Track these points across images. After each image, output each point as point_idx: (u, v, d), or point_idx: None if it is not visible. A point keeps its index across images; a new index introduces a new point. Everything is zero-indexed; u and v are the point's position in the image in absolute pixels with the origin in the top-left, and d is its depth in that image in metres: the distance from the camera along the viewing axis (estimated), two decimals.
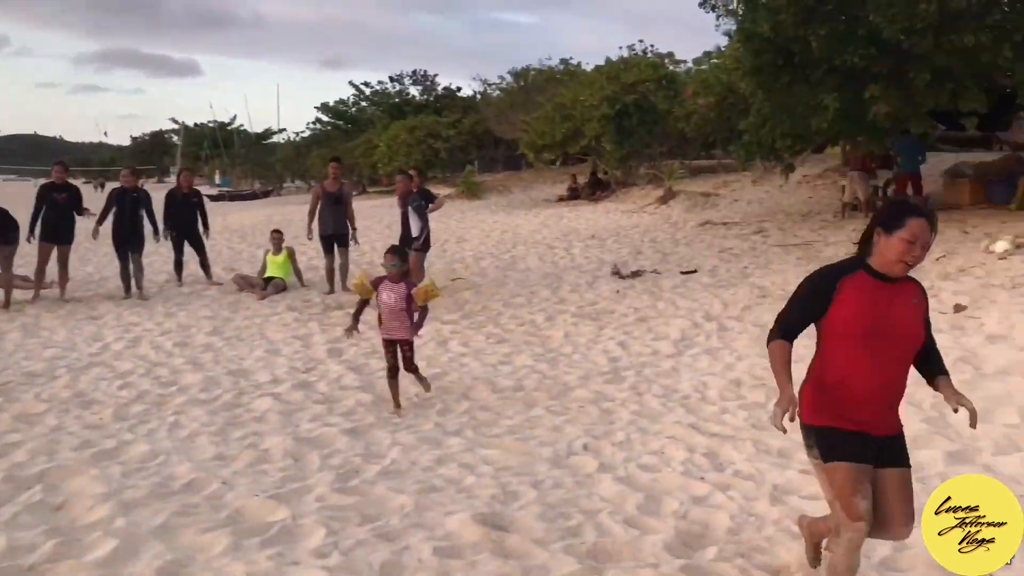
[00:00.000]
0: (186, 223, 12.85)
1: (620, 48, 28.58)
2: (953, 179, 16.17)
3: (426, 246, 11.69)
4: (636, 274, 13.01)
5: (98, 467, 5.05)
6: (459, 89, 48.83)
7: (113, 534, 4.06)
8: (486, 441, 5.96)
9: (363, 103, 51.51)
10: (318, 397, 6.97)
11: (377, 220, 22.45)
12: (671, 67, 27.01)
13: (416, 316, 6.66)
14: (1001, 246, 10.68)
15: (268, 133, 74.81)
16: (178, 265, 12.95)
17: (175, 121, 78.53)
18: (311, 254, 15.85)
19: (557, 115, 26.73)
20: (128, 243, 11.72)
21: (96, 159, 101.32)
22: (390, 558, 3.99)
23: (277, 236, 12.80)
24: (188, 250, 12.96)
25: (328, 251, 11.81)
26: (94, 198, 12.71)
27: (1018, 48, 10.90)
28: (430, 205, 11.79)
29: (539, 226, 20.56)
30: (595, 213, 22.18)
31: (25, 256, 13.15)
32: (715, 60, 23.32)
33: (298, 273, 12.74)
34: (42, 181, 14.73)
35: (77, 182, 14.77)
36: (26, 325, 9.63)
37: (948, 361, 3.79)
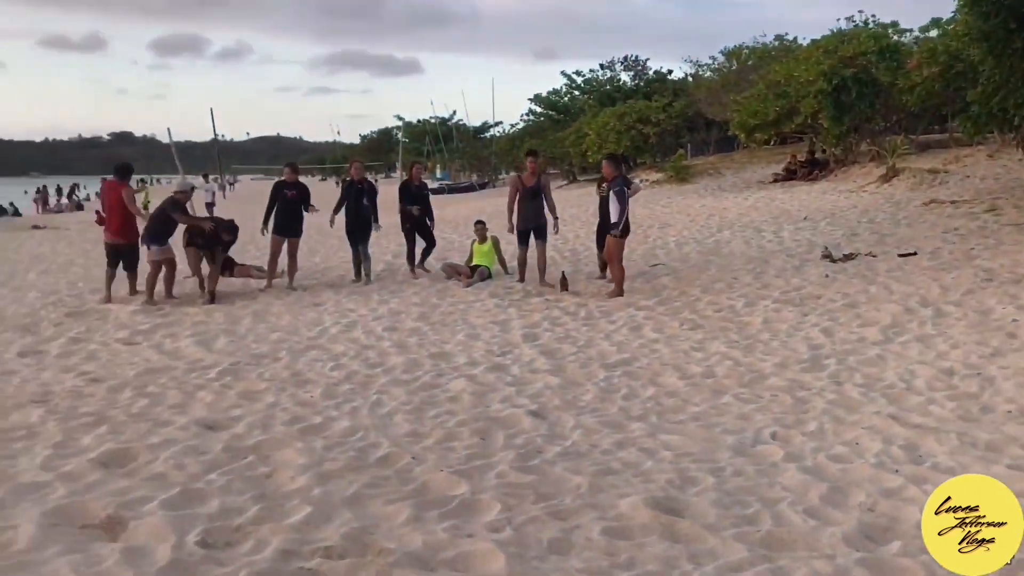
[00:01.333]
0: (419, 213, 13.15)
1: (838, 20, 26.77)
2: None
3: (625, 231, 11.68)
4: (849, 257, 12.39)
5: (304, 441, 5.51)
6: (670, 72, 48.08)
7: (309, 501, 4.43)
8: (669, 427, 5.95)
9: (575, 92, 51.84)
10: (510, 379, 7.21)
11: (583, 208, 22.63)
12: (895, 37, 25.28)
13: None
14: None
15: (485, 127, 76.98)
16: (411, 256, 13.20)
17: (399, 118, 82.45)
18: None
19: (770, 93, 25.73)
20: (357, 232, 12.58)
21: (329, 157, 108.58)
22: (559, 535, 4.11)
23: (481, 227, 13.25)
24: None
25: (523, 242, 11.98)
26: (336, 193, 13.54)
27: None
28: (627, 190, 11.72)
29: (748, 209, 19.97)
30: (810, 194, 21.23)
31: (262, 248, 14.42)
32: (943, 27, 21.60)
33: (502, 261, 13.14)
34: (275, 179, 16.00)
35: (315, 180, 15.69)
36: (257, 311, 10.56)
37: None
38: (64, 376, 7.47)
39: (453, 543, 3.99)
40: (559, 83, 60.05)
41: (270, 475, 4.88)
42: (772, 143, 30.60)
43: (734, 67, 35.52)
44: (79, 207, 49.50)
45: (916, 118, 25.02)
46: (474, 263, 12.85)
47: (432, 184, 50.74)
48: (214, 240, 11.46)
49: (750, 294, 10.56)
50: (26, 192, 61.66)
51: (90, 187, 62.25)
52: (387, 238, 17.94)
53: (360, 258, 12.77)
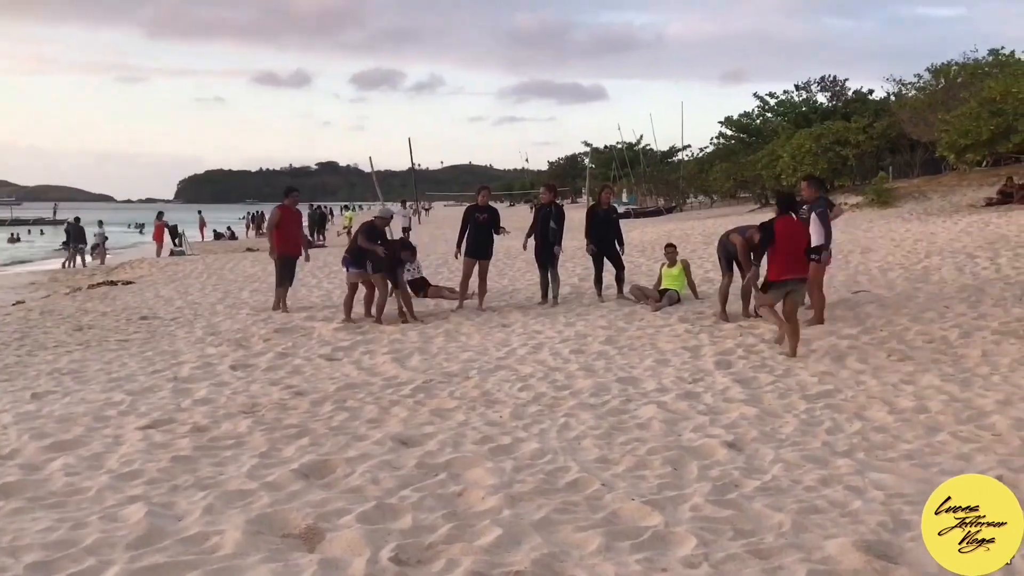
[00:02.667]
0: (606, 239, 13.02)
1: None
2: None
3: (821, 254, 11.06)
4: None
5: (493, 461, 5.50)
6: (871, 92, 45.87)
7: (499, 523, 4.39)
8: (879, 464, 5.52)
9: (767, 114, 50.43)
10: (702, 408, 6.96)
11: None
12: None
13: None
14: None
15: (672, 151, 76.23)
16: (598, 281, 13.07)
17: (587, 144, 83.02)
18: (707, 267, 15.90)
19: (984, 111, 23.95)
20: (544, 254, 12.69)
21: (518, 183, 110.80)
22: None
23: (672, 250, 13.01)
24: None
25: (727, 270, 11.49)
26: (528, 217, 13.92)
27: None
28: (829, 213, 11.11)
29: (959, 234, 18.58)
30: None
31: (454, 270, 14.80)
32: None
33: (692, 285, 12.83)
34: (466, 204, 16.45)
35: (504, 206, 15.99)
36: (449, 331, 10.79)
37: None
38: (271, 388, 7.88)
39: (647, 573, 3.83)
40: (750, 105, 58.48)
41: (461, 494, 4.89)
42: (985, 164, 28.44)
43: (941, 85, 33.32)
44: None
45: None
46: (663, 287, 12.62)
47: (619, 208, 50.79)
48: (395, 261, 11.80)
49: (965, 324, 9.74)
50: (241, 218, 66.78)
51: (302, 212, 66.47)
52: (573, 261, 17.99)
53: (547, 280, 12.84)
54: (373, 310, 11.78)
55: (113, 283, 18.99)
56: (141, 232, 61.17)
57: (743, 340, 9.66)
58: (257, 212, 59.28)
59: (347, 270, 12.08)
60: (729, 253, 11.18)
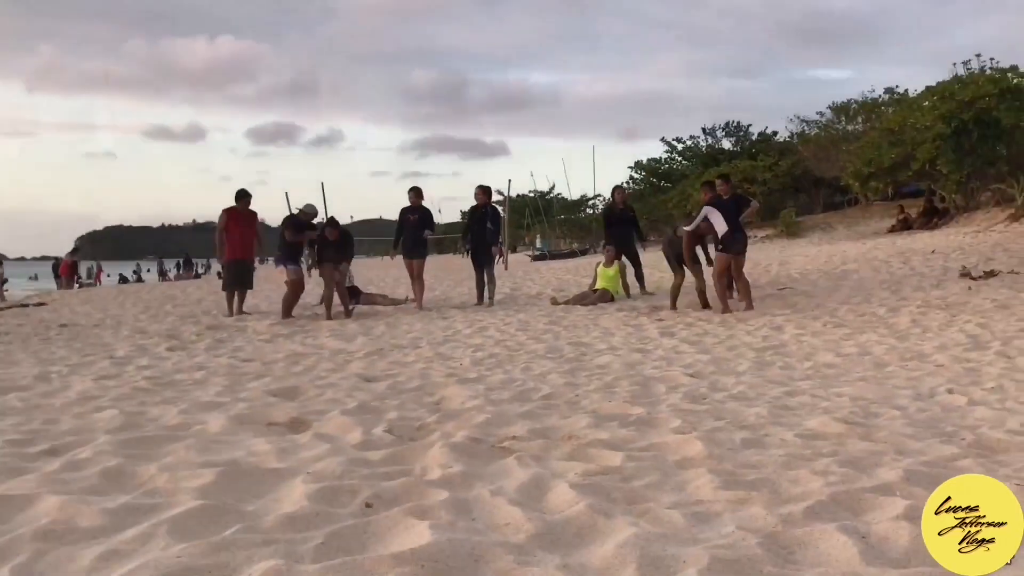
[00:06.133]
0: (622, 236, 13.49)
1: (954, 64, 26.09)
2: None
3: (730, 248, 11.31)
4: (990, 274, 11.86)
5: (464, 386, 5.48)
6: (775, 133, 47.63)
7: (486, 412, 4.38)
8: (838, 385, 5.72)
9: (677, 157, 51.95)
10: (656, 357, 7.06)
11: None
12: (1015, 80, 24.54)
13: None
14: None
15: (584, 199, 77.60)
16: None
17: (500, 192, 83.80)
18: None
19: (884, 141, 25.21)
20: (480, 255, 12.75)
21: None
22: (751, 437, 3.94)
23: (610, 250, 13.22)
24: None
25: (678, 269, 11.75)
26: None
27: None
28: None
29: (870, 248, 19.43)
30: (933, 237, 20.55)
31: (382, 284, 14.67)
32: None
33: (626, 287, 13.04)
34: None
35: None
36: (389, 322, 10.70)
37: None
38: (216, 359, 7.66)
39: (643, 436, 3.87)
40: (652, 155, 60.02)
41: (439, 401, 4.87)
42: (890, 196, 29.79)
43: (842, 122, 34.97)
44: (197, 276, 51.59)
45: None
46: (598, 286, 12.80)
47: (533, 252, 51.31)
48: (335, 246, 11.68)
49: (891, 303, 10.18)
50: (149, 271, 64.79)
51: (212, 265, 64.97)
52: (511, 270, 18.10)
53: (483, 281, 12.86)
54: (324, 308, 11.64)
55: (24, 305, 18.19)
56: (36, 279, 58.78)
57: (682, 319, 9.88)
58: (159, 260, 57.45)
59: (285, 268, 11.86)
60: (677, 252, 11.45)
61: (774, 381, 5.79)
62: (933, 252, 16.32)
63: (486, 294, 12.82)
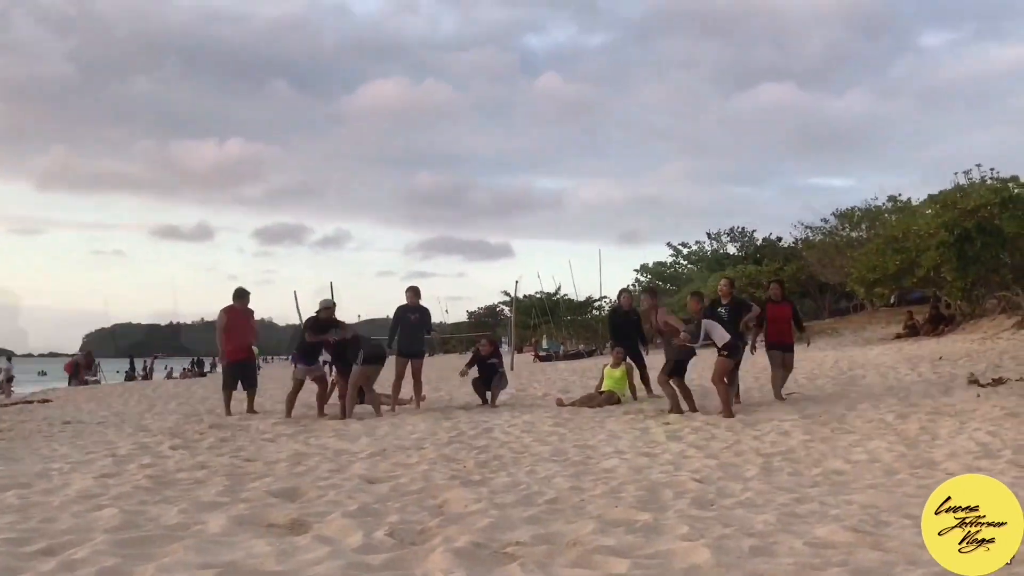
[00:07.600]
0: (629, 338, 13.51)
1: (956, 174, 26.49)
2: None
3: (733, 352, 11.31)
4: (999, 381, 11.79)
5: (468, 488, 5.41)
6: (779, 239, 48.12)
7: (489, 516, 4.30)
8: (848, 492, 5.64)
9: (682, 260, 52.41)
10: (664, 462, 6.98)
11: None
12: (1016, 190, 24.89)
13: None
14: None
15: (590, 301, 77.90)
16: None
17: (506, 293, 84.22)
18: None
19: (888, 248, 25.42)
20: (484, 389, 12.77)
21: (439, 331, 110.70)
22: (759, 544, 3.86)
23: (619, 352, 13.18)
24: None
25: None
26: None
27: None
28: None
29: (877, 355, 19.38)
30: (940, 343, 20.55)
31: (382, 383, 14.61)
32: None
33: (632, 389, 12.97)
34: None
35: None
36: (393, 422, 10.62)
37: None
38: (218, 458, 7.60)
39: (650, 543, 3.80)
40: (657, 259, 60.39)
41: (442, 504, 4.80)
42: (893, 300, 29.90)
43: (846, 229, 35.35)
44: (202, 375, 51.51)
45: None
46: (604, 388, 12.74)
47: (541, 353, 51.28)
48: (350, 350, 11.70)
49: (900, 410, 10.08)
50: (152, 367, 64.71)
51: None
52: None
53: (485, 386, 12.74)
54: (327, 407, 11.62)
55: (29, 401, 18.16)
56: (45, 375, 58.70)
57: (689, 423, 9.79)
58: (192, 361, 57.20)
59: (295, 365, 11.87)
60: (677, 358, 11.42)
61: (782, 488, 5.71)
62: (940, 359, 16.29)
63: (489, 397, 12.69)
